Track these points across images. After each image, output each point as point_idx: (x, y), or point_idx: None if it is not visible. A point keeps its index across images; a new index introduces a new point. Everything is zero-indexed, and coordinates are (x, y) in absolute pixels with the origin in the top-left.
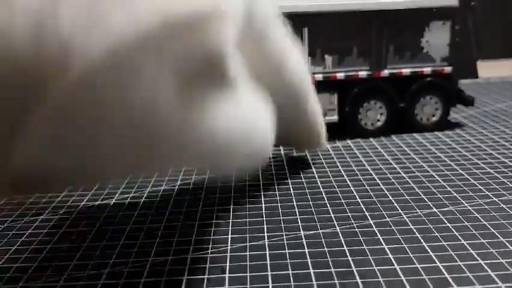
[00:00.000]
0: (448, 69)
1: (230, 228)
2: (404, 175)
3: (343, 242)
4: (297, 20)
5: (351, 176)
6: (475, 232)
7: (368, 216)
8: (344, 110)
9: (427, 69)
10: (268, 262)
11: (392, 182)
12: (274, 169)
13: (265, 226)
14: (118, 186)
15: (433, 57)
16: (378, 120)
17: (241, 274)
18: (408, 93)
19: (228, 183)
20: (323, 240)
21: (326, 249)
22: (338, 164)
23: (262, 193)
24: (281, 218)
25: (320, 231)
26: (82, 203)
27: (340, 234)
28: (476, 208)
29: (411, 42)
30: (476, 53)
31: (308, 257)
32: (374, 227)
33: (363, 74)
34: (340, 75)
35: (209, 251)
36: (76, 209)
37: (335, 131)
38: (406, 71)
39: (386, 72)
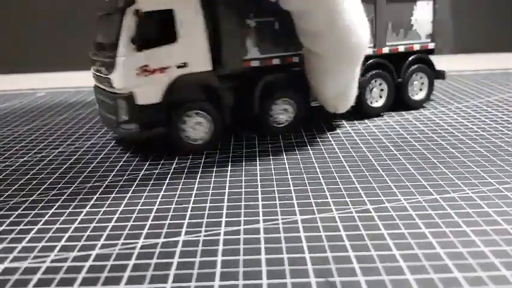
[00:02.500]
0: (431, 45)
1: (224, 211)
2: (405, 161)
3: (340, 227)
4: None
5: (348, 158)
6: (477, 219)
7: (367, 202)
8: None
9: (416, 46)
10: (263, 246)
11: (391, 168)
12: (271, 153)
13: (260, 210)
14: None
15: (420, 34)
16: (381, 97)
17: (233, 257)
18: (403, 69)
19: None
20: (319, 224)
21: (322, 234)
22: (336, 147)
23: (258, 178)
24: (277, 202)
25: (317, 215)
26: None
27: (337, 218)
28: (479, 195)
29: (405, 21)
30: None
31: (304, 241)
32: (372, 212)
33: (369, 51)
34: None
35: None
36: None
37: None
38: (401, 47)
39: (386, 49)
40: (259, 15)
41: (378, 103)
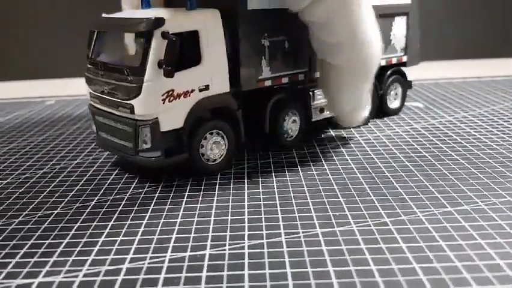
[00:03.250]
0: (404, 58)
1: (246, 225)
2: (417, 172)
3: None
4: None
5: (361, 170)
6: (491, 231)
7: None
8: None
9: (394, 59)
10: (287, 259)
11: (404, 180)
12: (286, 165)
13: (281, 223)
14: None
15: (396, 48)
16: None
17: (259, 271)
18: (383, 81)
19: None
20: (340, 238)
21: (343, 247)
22: (348, 158)
23: (276, 189)
24: (296, 215)
25: (336, 228)
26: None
27: (357, 232)
28: (491, 207)
29: (386, 36)
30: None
31: (326, 255)
32: (390, 225)
33: None
34: None
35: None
36: None
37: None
38: (382, 61)
39: None
40: (273, 34)
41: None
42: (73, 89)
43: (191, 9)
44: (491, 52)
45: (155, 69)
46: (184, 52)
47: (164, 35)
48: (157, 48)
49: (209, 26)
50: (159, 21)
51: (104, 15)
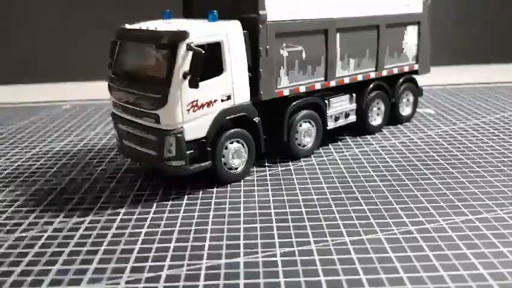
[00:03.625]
0: (416, 65)
1: (275, 232)
2: (436, 180)
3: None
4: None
5: (382, 178)
6: None
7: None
8: (361, 109)
9: (406, 67)
10: (319, 267)
11: (425, 188)
12: (306, 172)
13: (309, 231)
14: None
15: (408, 56)
16: (378, 115)
17: (294, 279)
18: (396, 89)
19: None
20: (368, 246)
21: (372, 255)
22: (367, 165)
23: (300, 197)
24: (323, 223)
25: (364, 237)
26: None
27: (384, 240)
28: (510, 215)
29: (398, 44)
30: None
31: (357, 263)
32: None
33: (372, 74)
34: (359, 77)
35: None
36: None
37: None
38: (395, 69)
39: (385, 72)
40: (291, 45)
41: (377, 121)
42: (86, 93)
43: (213, 21)
44: (499, 57)
45: (180, 80)
46: (207, 63)
47: (189, 47)
48: (182, 59)
49: (231, 37)
50: (184, 34)
51: (126, 26)
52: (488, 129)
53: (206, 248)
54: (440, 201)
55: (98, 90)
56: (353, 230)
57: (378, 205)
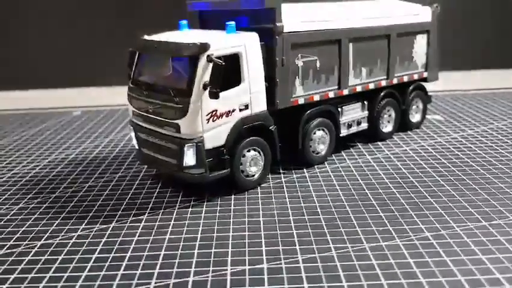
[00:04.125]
0: (425, 73)
1: (296, 239)
2: (448, 187)
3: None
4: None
5: (395, 184)
6: None
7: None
8: (372, 116)
9: (415, 75)
10: (341, 273)
11: (438, 195)
12: (321, 179)
13: (328, 238)
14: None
15: (417, 64)
16: (389, 122)
17: (318, 285)
18: (406, 97)
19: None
20: (387, 252)
21: (392, 261)
22: (380, 172)
23: (317, 204)
24: (342, 229)
25: (382, 243)
26: None
27: (402, 246)
28: None
29: (408, 53)
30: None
31: (377, 269)
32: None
33: (383, 82)
34: (371, 85)
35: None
36: None
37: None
38: (405, 77)
39: (395, 80)
40: (306, 55)
41: (388, 128)
42: (96, 99)
43: (231, 32)
44: (506, 62)
45: (201, 90)
46: (226, 73)
47: (210, 59)
48: (203, 71)
49: (249, 48)
50: (205, 46)
51: (146, 37)
52: (497, 136)
53: (229, 254)
54: (454, 208)
55: (108, 96)
56: (371, 236)
57: (394, 212)
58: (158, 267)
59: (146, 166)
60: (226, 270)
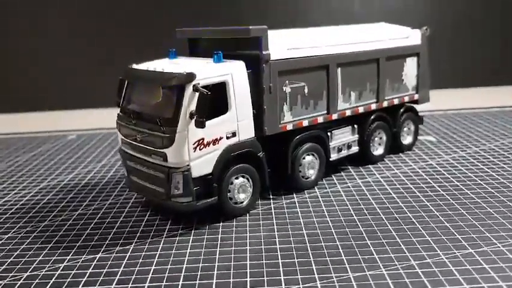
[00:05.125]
0: (416, 95)
1: (281, 269)
2: (437, 212)
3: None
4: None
5: (384, 210)
6: (510, 273)
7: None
8: (363, 140)
9: (406, 97)
10: None
11: (426, 221)
12: (311, 205)
13: (314, 267)
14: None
15: (408, 87)
16: (380, 145)
17: None
18: (397, 119)
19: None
20: (371, 282)
21: None
22: (370, 197)
23: (304, 231)
24: (327, 258)
25: (367, 273)
26: None
27: (387, 276)
28: (509, 249)
29: (398, 76)
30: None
31: None
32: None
33: (373, 106)
34: (361, 109)
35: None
36: None
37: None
38: (396, 100)
39: (385, 103)
40: (293, 81)
41: (379, 151)
42: (91, 122)
43: (218, 61)
44: (498, 80)
45: (187, 120)
46: (212, 102)
47: (196, 88)
48: (189, 100)
49: (235, 77)
50: (191, 76)
51: (134, 66)
52: (488, 158)
53: (214, 286)
54: (441, 235)
55: (104, 119)
56: (356, 265)
57: (381, 239)
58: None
59: (136, 193)
60: None
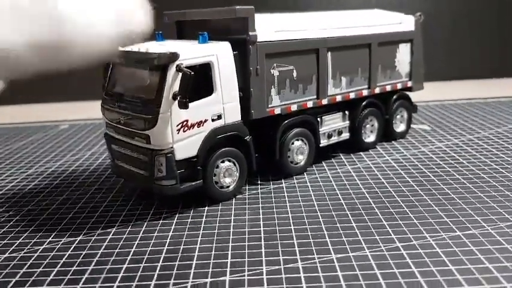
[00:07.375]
0: (409, 83)
1: (263, 250)
2: (426, 197)
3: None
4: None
5: (372, 194)
6: (498, 255)
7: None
8: (354, 126)
9: (399, 84)
10: (304, 285)
11: (414, 205)
12: (298, 189)
13: (296, 249)
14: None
15: (401, 74)
16: (372, 132)
17: None
18: (389, 106)
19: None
20: (354, 263)
21: (358, 272)
22: (359, 182)
23: (290, 214)
24: (311, 240)
25: (351, 254)
26: None
27: (370, 257)
28: (497, 231)
29: (391, 62)
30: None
31: (342, 280)
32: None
33: (365, 92)
34: (352, 95)
35: (246, 274)
36: None
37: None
38: (388, 87)
39: (377, 90)
40: (282, 64)
41: (371, 138)
42: (85, 113)
43: (203, 42)
44: (495, 72)
45: (170, 101)
46: (197, 83)
47: (179, 68)
48: (172, 81)
49: (221, 58)
50: (174, 56)
51: (119, 48)
52: (482, 145)
53: (193, 267)
54: (429, 218)
55: (96, 110)
56: (340, 247)
57: (367, 222)
58: (118, 280)
59: (123, 179)
60: (187, 282)
